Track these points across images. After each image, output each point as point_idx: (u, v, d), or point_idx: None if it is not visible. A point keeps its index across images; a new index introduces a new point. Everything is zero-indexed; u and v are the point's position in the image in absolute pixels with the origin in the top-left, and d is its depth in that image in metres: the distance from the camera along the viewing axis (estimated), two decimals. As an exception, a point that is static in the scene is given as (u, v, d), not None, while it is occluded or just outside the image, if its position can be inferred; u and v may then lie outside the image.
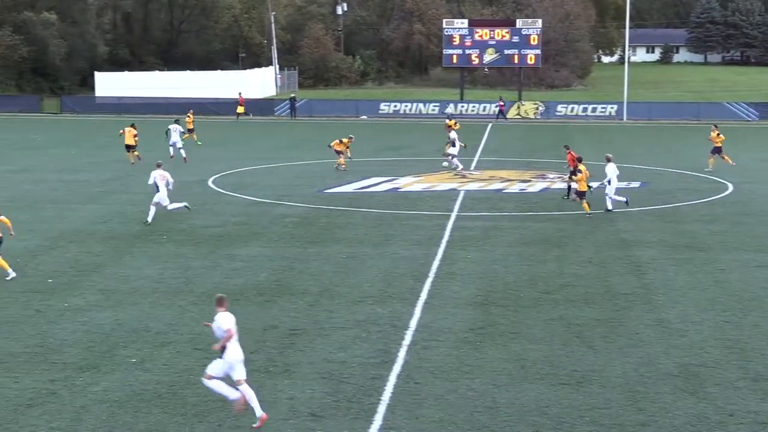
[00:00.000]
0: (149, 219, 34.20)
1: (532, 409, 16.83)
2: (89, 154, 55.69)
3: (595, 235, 32.72)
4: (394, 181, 45.00)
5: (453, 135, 50.17)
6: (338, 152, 48.21)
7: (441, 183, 44.95)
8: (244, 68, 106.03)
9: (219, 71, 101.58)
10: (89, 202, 38.66)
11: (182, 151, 51.55)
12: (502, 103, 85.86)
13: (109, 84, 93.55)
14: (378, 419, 16.45)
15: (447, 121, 58.89)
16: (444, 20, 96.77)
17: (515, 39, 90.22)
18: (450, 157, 49.67)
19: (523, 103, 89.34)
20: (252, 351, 19.99)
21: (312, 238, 31.96)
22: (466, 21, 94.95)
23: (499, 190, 42.98)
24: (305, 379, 18.39)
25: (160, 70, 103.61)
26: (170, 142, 52.41)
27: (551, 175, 47.59)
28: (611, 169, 36.44)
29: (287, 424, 16.30)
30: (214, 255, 29.24)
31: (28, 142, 61.53)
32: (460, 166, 49.21)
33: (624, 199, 36.85)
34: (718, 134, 49.42)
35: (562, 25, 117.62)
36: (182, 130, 53.52)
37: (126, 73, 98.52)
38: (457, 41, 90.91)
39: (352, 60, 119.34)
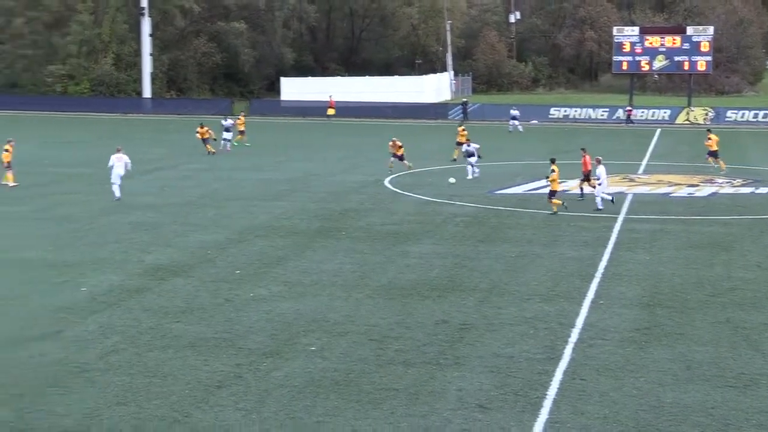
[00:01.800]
0: (117, 195, 38.55)
1: (698, 409, 16.39)
2: (273, 154, 56.77)
3: (763, 239, 31.67)
4: (563, 184, 44.40)
5: (467, 147, 46.86)
6: (397, 156, 47.74)
7: (609, 186, 44.11)
8: (420, 74, 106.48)
9: (396, 77, 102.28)
10: (273, 199, 39.45)
11: (227, 144, 58.01)
12: (629, 109, 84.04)
13: (293, 88, 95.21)
14: (544, 413, 16.29)
15: (459, 128, 56.45)
16: (615, 28, 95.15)
17: (686, 46, 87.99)
18: (471, 166, 46.13)
19: (693, 108, 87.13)
20: (424, 344, 20.10)
21: (482, 237, 31.89)
22: (637, 29, 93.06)
23: (666, 194, 42.04)
24: (473, 372, 18.36)
25: (341, 75, 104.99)
26: (227, 137, 58.84)
27: (719, 180, 46.31)
28: (602, 171, 37.07)
29: (455, 414, 16.29)
30: (388, 251, 29.46)
31: (218, 142, 63.14)
32: (469, 176, 45.72)
33: (610, 198, 37.54)
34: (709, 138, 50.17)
35: (735, 31, 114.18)
36: (225, 125, 59.10)
37: (309, 78, 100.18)
38: (627, 48, 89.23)
39: (524, 66, 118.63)
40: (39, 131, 72.60)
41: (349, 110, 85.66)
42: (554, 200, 36.27)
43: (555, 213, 35.88)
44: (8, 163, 44.10)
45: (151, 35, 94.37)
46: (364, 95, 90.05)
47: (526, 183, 44.44)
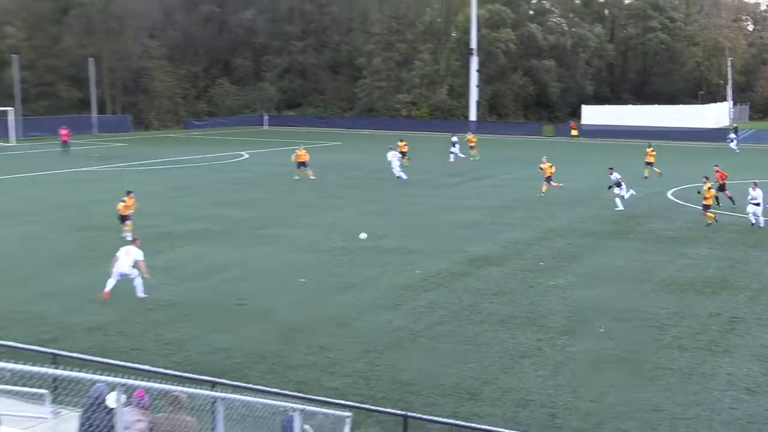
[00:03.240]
0: (403, 177, 43.97)
1: None
2: (575, 169, 55.83)
3: None
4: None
5: (611, 177, 38.66)
6: (547, 179, 42.18)
7: None
8: (702, 103, 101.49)
9: (680, 105, 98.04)
10: (573, 205, 38.85)
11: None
12: None
13: (593, 115, 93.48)
14: (807, 400, 15.19)
15: (648, 149, 51.17)
16: None
17: None
18: (621, 198, 37.89)
19: None
20: (698, 332, 19.28)
21: (754, 243, 30.00)
22: None
23: None
24: (742, 360, 17.37)
25: (633, 104, 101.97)
26: (454, 151, 58.72)
27: None
28: (759, 194, 33.23)
29: (725, 394, 15.51)
30: (669, 252, 28.37)
31: (525, 157, 63.08)
32: (620, 207, 37.45)
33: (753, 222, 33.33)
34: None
35: None
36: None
37: (606, 106, 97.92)
38: None
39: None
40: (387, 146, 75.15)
41: (638, 134, 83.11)
42: (708, 213, 33.95)
43: (709, 225, 33.42)
44: (303, 162, 47.54)
45: (477, 71, 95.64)
46: (652, 121, 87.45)
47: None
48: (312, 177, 46.97)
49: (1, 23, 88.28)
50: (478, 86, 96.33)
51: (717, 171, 39.11)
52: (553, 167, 42.51)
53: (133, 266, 21.70)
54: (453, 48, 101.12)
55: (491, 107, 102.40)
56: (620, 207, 37.43)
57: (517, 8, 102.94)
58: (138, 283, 21.75)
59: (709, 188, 34.55)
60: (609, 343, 18.43)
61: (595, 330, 19.44)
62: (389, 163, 48.29)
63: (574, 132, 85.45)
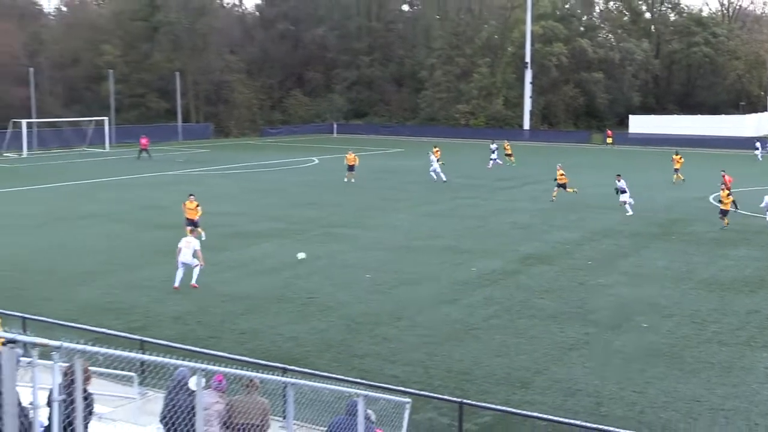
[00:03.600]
0: (444, 179, 45.50)
1: None
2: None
3: None
4: None
5: (617, 184, 37.40)
6: (561, 185, 41.01)
7: None
8: (743, 114, 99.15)
9: (722, 116, 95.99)
10: (620, 208, 38.10)
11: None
12: None
13: (639, 124, 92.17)
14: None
15: (675, 155, 50.92)
16: None
17: None
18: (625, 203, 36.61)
19: None
20: (737, 328, 18.87)
21: (792, 246, 29.24)
22: None
23: None
24: (780, 355, 16.93)
25: (677, 114, 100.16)
26: (493, 157, 57.90)
27: None
28: None
29: (763, 387, 15.14)
30: (710, 253, 27.77)
31: (575, 163, 62.39)
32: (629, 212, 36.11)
33: None
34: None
35: None
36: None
37: (652, 116, 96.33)
38: None
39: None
40: (448, 154, 75.02)
41: (681, 142, 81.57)
42: (726, 218, 33.18)
43: (724, 228, 32.65)
44: (351, 166, 48.25)
45: (531, 83, 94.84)
46: (695, 130, 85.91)
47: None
48: (346, 180, 47.68)
49: (100, 42, 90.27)
50: (531, 97, 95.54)
51: (723, 176, 38.36)
52: (564, 176, 41.44)
53: (193, 255, 22.15)
54: (508, 62, 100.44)
55: (544, 117, 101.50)
56: (630, 212, 36.04)
57: (568, 24, 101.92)
58: (196, 272, 22.17)
59: (727, 195, 33.78)
60: (652, 338, 18.11)
61: (639, 325, 19.12)
62: (430, 163, 48.96)
63: (609, 140, 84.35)
